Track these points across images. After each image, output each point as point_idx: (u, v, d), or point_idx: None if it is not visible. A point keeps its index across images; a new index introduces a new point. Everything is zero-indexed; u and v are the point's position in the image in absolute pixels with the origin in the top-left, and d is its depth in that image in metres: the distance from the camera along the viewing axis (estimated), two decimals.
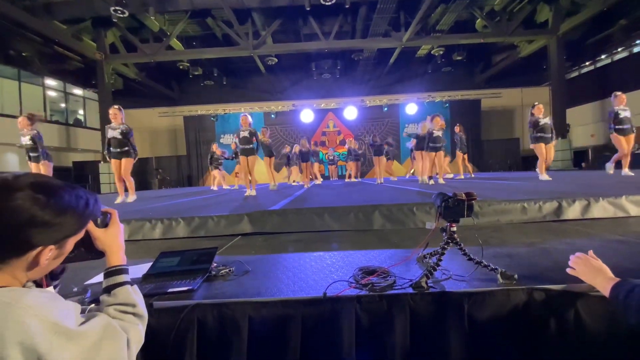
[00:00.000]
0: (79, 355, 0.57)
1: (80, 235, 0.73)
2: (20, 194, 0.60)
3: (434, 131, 5.66)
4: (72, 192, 0.68)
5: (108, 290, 0.76)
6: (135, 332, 0.71)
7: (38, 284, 0.75)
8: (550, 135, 5.27)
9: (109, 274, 0.78)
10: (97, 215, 0.78)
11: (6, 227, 0.58)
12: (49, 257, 0.65)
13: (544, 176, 5.19)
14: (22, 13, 9.04)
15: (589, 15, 10.34)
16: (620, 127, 5.33)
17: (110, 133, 4.74)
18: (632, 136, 5.38)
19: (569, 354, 0.96)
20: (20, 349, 0.52)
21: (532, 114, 5.33)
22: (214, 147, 8.95)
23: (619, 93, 5.46)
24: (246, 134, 5.37)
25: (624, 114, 5.36)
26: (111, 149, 4.78)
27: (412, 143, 8.20)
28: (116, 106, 4.84)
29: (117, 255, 0.81)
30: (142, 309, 0.77)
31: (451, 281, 1.12)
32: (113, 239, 0.81)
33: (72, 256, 0.76)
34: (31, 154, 5.07)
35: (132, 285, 0.79)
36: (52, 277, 0.82)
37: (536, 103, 5.42)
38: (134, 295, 0.77)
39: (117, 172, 4.85)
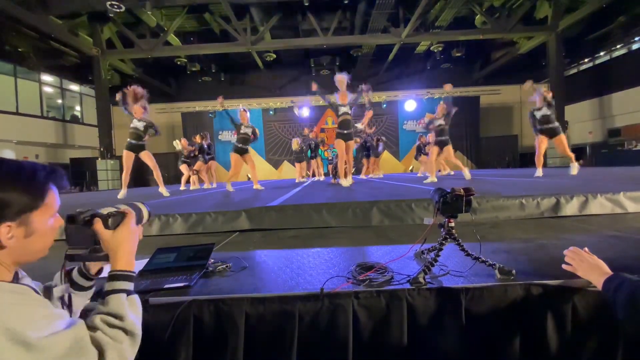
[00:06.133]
0: None
1: (47, 210, 0.68)
2: None
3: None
4: (10, 164, 0.65)
5: (103, 295, 0.72)
6: (115, 351, 0.63)
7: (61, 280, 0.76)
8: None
9: (110, 278, 0.75)
10: (62, 186, 0.73)
11: None
12: (10, 235, 0.62)
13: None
14: (17, 8, 8.93)
15: (588, 11, 10.31)
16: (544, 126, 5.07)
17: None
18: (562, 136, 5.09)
19: (567, 348, 0.96)
20: None
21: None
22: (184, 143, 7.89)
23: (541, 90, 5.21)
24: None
25: (541, 112, 5.08)
26: (131, 141, 4.86)
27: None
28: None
29: (120, 260, 0.76)
30: (132, 323, 0.69)
31: (449, 277, 1.12)
32: (120, 242, 0.77)
33: (82, 255, 0.75)
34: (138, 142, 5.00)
35: (129, 295, 0.73)
36: (85, 277, 0.83)
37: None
38: (126, 307, 0.70)
39: (239, 164, 5.07)
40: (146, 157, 4.96)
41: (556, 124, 5.10)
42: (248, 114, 5.38)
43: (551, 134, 5.10)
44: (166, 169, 14.20)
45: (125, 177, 4.97)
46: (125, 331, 0.67)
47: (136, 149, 4.90)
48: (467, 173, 5.33)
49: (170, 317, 0.98)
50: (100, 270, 0.86)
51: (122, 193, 4.91)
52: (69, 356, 0.57)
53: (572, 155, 5.24)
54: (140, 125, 4.84)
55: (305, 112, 8.12)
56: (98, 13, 10.40)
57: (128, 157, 4.87)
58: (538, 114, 5.12)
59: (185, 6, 10.64)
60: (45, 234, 0.69)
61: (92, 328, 0.65)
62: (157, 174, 5.14)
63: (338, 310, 0.99)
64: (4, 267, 0.63)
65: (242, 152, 5.21)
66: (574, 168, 5.13)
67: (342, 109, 4.95)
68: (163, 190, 5.18)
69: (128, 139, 4.87)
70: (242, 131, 5.16)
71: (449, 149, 5.30)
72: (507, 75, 14.83)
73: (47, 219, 0.69)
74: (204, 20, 11.83)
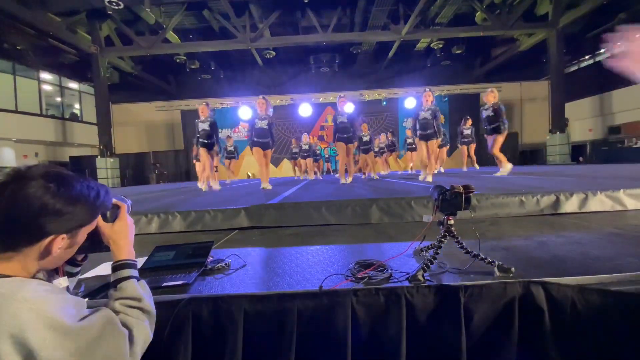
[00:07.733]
0: (74, 352, 0.56)
1: (92, 226, 0.74)
2: (33, 182, 0.61)
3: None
4: (83, 182, 0.70)
5: (114, 284, 0.77)
6: (140, 329, 0.69)
7: (54, 272, 0.76)
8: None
9: (115, 268, 0.79)
10: (108, 207, 0.79)
11: (19, 215, 0.60)
12: (61, 246, 0.66)
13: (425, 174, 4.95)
14: (16, 5, 8.89)
15: (589, 8, 10.27)
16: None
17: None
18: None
19: (565, 346, 0.96)
20: (11, 342, 0.51)
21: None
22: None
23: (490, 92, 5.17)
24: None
25: (488, 112, 5.11)
26: (256, 139, 4.82)
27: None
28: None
29: (123, 249, 0.81)
30: (149, 304, 0.76)
31: (448, 274, 1.12)
32: (119, 234, 0.81)
33: (85, 248, 0.77)
34: (206, 141, 5.21)
35: (138, 280, 0.80)
36: (73, 263, 0.84)
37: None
38: (140, 290, 0.77)
39: (261, 160, 4.94)
40: (213, 153, 5.39)
41: (498, 123, 5.13)
42: (269, 104, 5.11)
43: (494, 132, 5.18)
44: (165, 167, 14.22)
45: (201, 171, 5.47)
46: (144, 310, 0.74)
47: (207, 146, 5.21)
48: (429, 176, 5.00)
49: (168, 315, 0.97)
50: (85, 257, 0.87)
51: (203, 185, 5.35)
52: (103, 338, 0.61)
53: (503, 157, 5.21)
54: (205, 125, 5.15)
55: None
56: (96, 10, 10.35)
57: (203, 154, 5.24)
58: (485, 113, 5.21)
59: (184, 3, 10.60)
60: (76, 245, 0.73)
61: (114, 312, 0.69)
62: (208, 171, 5.54)
63: (337, 308, 0.99)
64: (26, 272, 0.64)
65: (262, 146, 4.84)
66: (505, 170, 5.14)
67: (340, 118, 5.24)
68: (204, 185, 5.59)
69: (200, 139, 5.16)
70: (257, 125, 4.78)
71: (433, 144, 4.91)
72: (507, 73, 14.80)
73: (86, 234, 0.74)
74: (203, 17, 11.77)
